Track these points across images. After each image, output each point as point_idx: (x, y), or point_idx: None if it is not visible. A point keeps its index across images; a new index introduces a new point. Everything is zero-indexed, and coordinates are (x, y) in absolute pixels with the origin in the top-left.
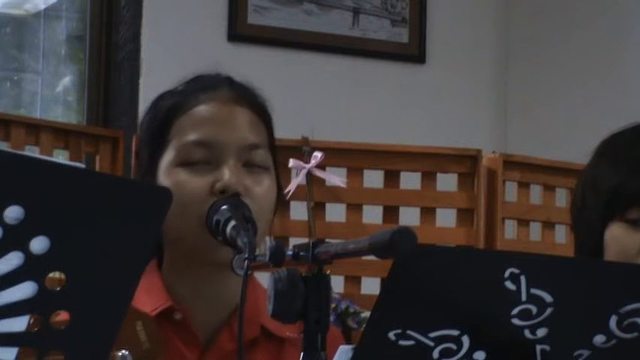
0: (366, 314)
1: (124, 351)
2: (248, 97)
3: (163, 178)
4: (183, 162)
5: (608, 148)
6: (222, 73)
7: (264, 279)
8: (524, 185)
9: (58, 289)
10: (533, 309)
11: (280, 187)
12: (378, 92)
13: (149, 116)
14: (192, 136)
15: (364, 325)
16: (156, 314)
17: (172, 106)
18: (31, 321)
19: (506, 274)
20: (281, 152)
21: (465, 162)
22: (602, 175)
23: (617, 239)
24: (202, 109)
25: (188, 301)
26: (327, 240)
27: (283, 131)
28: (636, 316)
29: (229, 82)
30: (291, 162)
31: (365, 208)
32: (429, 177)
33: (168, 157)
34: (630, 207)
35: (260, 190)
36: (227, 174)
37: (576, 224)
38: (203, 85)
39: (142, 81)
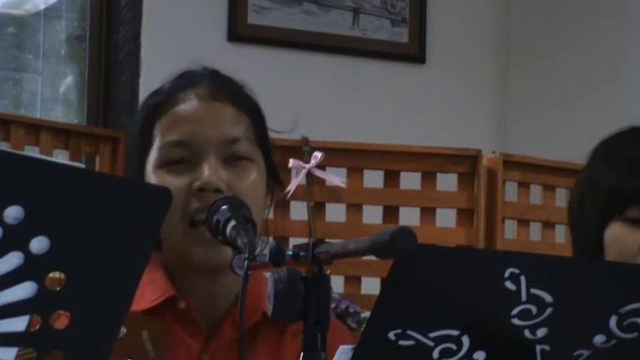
0: (366, 314)
1: (129, 359)
2: (228, 91)
3: (149, 180)
4: (165, 163)
5: (605, 150)
6: (208, 67)
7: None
8: (524, 185)
9: (58, 289)
10: (533, 309)
11: (276, 174)
12: (378, 92)
13: (138, 116)
14: (171, 137)
15: (364, 325)
16: (159, 303)
17: (155, 106)
18: (31, 321)
19: (506, 274)
20: (281, 152)
21: (465, 162)
22: (600, 175)
23: (618, 238)
24: (181, 109)
25: (190, 292)
26: (327, 240)
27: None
28: (636, 316)
29: (210, 78)
30: (291, 162)
31: (365, 208)
32: (429, 177)
33: (152, 158)
34: (629, 206)
35: (244, 183)
36: (206, 172)
37: (575, 225)
38: (183, 83)
39: (141, 81)
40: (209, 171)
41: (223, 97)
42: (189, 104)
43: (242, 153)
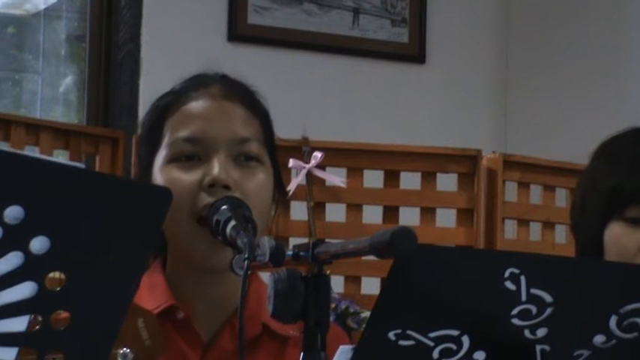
0: (366, 314)
1: (125, 348)
2: (240, 93)
3: (157, 175)
4: (175, 158)
5: (606, 150)
6: (220, 71)
7: (264, 279)
8: (524, 185)
9: (58, 289)
10: (533, 309)
11: (282, 183)
12: (378, 92)
13: (147, 116)
14: (182, 133)
15: (364, 325)
16: (158, 313)
17: (166, 104)
18: (31, 321)
19: (506, 274)
20: (281, 152)
21: (465, 162)
22: (600, 175)
23: (617, 238)
24: (193, 106)
25: (190, 300)
26: (327, 240)
27: (283, 131)
28: (636, 316)
29: (222, 79)
30: (291, 162)
31: (365, 208)
32: (429, 177)
33: (161, 154)
34: (629, 206)
35: (251, 184)
36: (216, 168)
37: (577, 226)
38: (196, 83)
39: (141, 81)
40: (219, 167)
41: (235, 98)
42: (201, 102)
43: (252, 153)
